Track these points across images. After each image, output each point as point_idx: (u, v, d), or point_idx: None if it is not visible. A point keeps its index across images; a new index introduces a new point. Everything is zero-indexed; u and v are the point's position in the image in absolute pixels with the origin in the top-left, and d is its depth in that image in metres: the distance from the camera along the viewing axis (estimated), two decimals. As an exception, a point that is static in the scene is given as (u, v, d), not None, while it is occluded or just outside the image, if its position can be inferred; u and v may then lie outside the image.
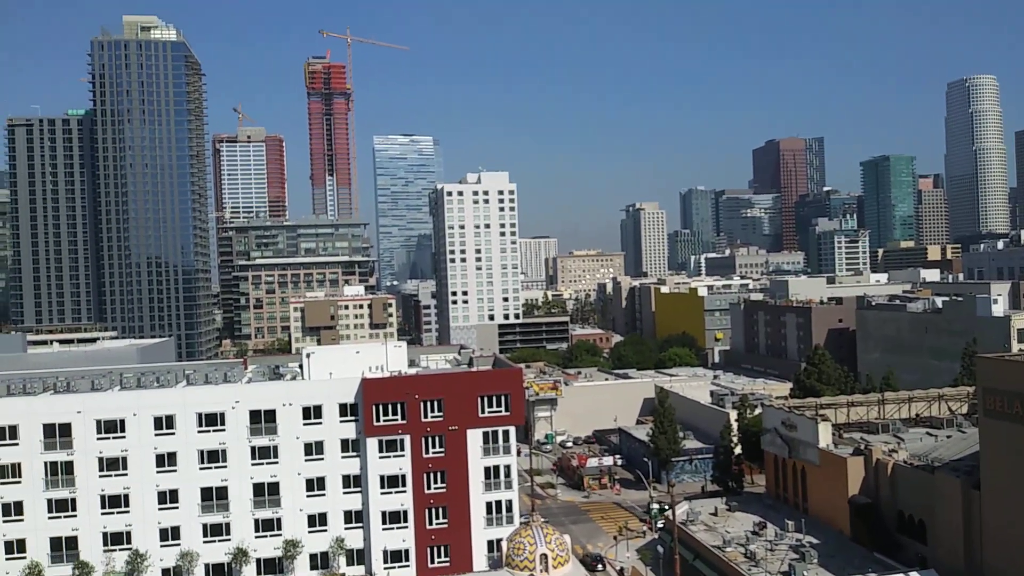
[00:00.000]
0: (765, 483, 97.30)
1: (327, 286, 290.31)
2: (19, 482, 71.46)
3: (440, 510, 76.19)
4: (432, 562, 76.01)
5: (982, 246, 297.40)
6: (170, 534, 73.42)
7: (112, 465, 72.92)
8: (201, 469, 73.95)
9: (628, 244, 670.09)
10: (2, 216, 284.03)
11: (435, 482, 76.18)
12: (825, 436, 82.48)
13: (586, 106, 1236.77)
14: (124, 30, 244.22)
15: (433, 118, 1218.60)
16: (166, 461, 73.51)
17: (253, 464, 74.78)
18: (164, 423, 73.60)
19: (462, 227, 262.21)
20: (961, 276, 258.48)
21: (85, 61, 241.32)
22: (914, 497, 71.60)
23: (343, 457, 75.93)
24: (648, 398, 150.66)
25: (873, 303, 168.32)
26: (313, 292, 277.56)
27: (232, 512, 74.28)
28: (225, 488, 74.28)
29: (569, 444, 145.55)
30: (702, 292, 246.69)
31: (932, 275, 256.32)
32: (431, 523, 76.02)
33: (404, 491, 75.74)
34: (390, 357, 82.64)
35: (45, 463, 71.87)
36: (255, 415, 74.81)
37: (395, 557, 75.70)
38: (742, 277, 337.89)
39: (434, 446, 76.10)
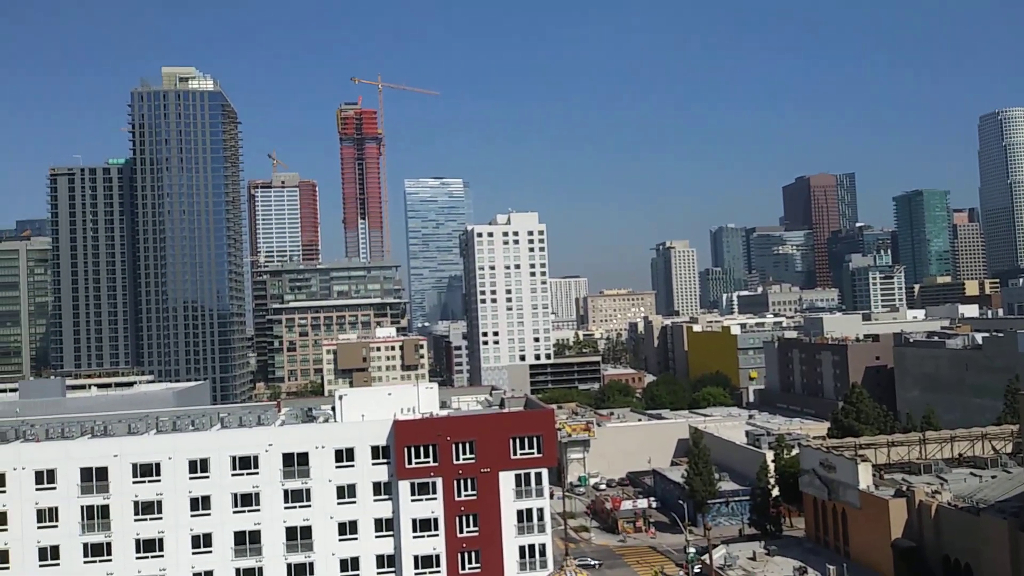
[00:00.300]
0: (804, 526, 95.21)
1: (359, 328, 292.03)
2: (56, 526, 72.07)
3: (473, 554, 75.40)
4: (465, 607, 74.98)
5: (1021, 280, 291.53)
6: (204, 578, 73.33)
7: (147, 509, 73.35)
8: (234, 513, 74.09)
9: (659, 283, 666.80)
10: (44, 263, 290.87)
11: (468, 525, 75.51)
12: (865, 477, 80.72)
13: (614, 146, 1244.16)
14: (163, 81, 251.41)
15: (463, 161, 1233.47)
16: (200, 505, 73.78)
17: (286, 507, 74.77)
18: (199, 466, 74.02)
19: (492, 268, 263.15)
20: (1001, 311, 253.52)
21: (126, 111, 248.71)
22: (959, 540, 69.53)
23: (375, 500, 75.66)
24: (682, 439, 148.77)
25: (911, 340, 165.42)
26: (345, 334, 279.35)
27: (265, 556, 74.14)
28: (258, 532, 74.28)
29: (603, 486, 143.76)
30: (735, 330, 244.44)
31: (971, 311, 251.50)
32: (464, 567, 75.19)
33: (436, 535, 75.14)
34: (422, 399, 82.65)
35: (82, 507, 72.48)
36: (288, 458, 75.01)
37: (428, 602, 74.83)
38: (775, 315, 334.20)
39: (466, 489, 75.58)
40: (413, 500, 74.97)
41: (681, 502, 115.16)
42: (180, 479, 73.65)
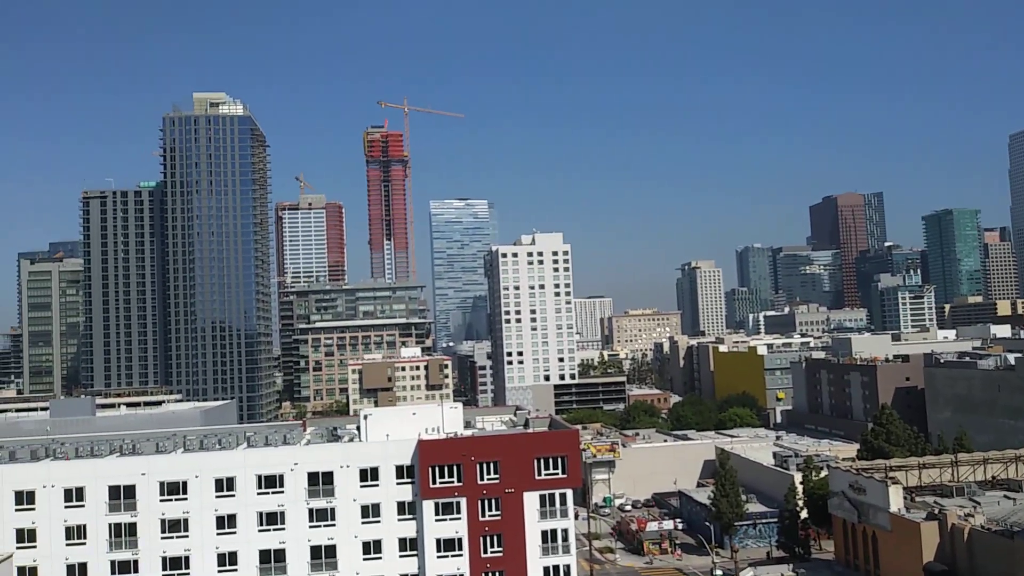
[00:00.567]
0: (834, 549, 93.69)
1: (384, 348, 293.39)
2: (84, 543, 72.72)
3: (497, 575, 74.99)
4: (489, 629, 74.51)
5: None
6: (229, 597, 73.62)
7: (174, 527, 73.86)
8: (260, 531, 74.38)
9: (684, 303, 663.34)
10: (75, 284, 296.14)
11: (492, 546, 75.20)
12: (896, 500, 79.46)
13: (639, 167, 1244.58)
14: (195, 106, 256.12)
15: (488, 182, 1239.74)
16: (226, 523, 74.16)
17: (311, 526, 74.95)
18: (225, 485, 74.47)
19: (517, 288, 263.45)
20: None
21: (157, 136, 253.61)
22: (993, 564, 68.06)
23: (399, 520, 75.60)
24: (708, 460, 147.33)
25: (942, 360, 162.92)
26: (371, 354, 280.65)
27: (289, 575, 74.27)
28: (283, 551, 74.47)
29: (628, 507, 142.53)
30: (762, 351, 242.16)
31: (1003, 331, 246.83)
32: (488, 588, 74.76)
33: (461, 555, 74.89)
34: (446, 418, 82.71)
35: (110, 525, 73.14)
36: (313, 477, 75.26)
37: (452, 623, 74.44)
38: (802, 335, 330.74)
39: (490, 509, 75.37)
40: (437, 520, 74.86)
41: (707, 524, 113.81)
42: (206, 497, 74.15)
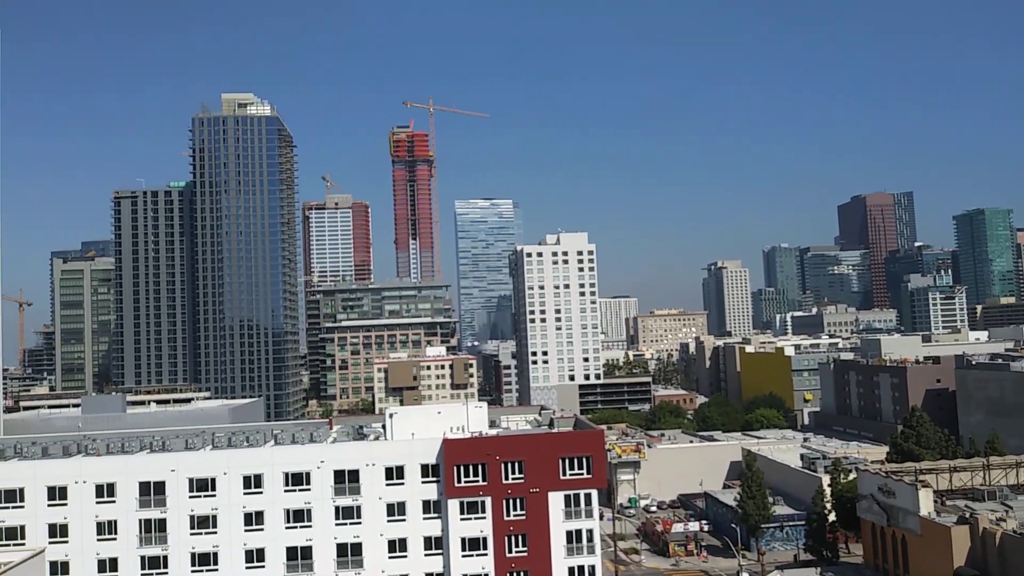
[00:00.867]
0: (863, 553, 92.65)
1: (410, 347, 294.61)
2: (115, 539, 73.84)
3: (522, 574, 75.04)
4: (514, 628, 74.59)
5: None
6: (256, 593, 74.33)
7: (202, 523, 74.74)
8: (287, 528, 75.06)
9: (710, 303, 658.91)
10: (107, 283, 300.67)
11: (516, 546, 75.28)
12: (926, 503, 78.41)
13: (665, 166, 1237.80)
14: (223, 107, 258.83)
15: (513, 181, 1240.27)
16: (254, 520, 74.92)
17: (337, 524, 75.49)
18: (252, 482, 75.25)
19: (542, 288, 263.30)
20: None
21: (187, 136, 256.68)
22: (1027, 570, 66.97)
23: (424, 518, 75.93)
24: (735, 461, 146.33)
25: (974, 362, 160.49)
26: (396, 353, 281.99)
27: (316, 572, 74.80)
28: (310, 548, 75.09)
29: (653, 508, 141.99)
30: (789, 351, 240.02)
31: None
32: (512, 588, 74.84)
33: (485, 554, 75.04)
34: (471, 418, 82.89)
35: (140, 520, 74.17)
36: (339, 475, 75.80)
37: (476, 622, 74.65)
38: (831, 336, 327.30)
39: (515, 508, 75.45)
40: (462, 519, 75.08)
41: (734, 526, 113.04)
42: (235, 494, 74.95)
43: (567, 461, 76.00)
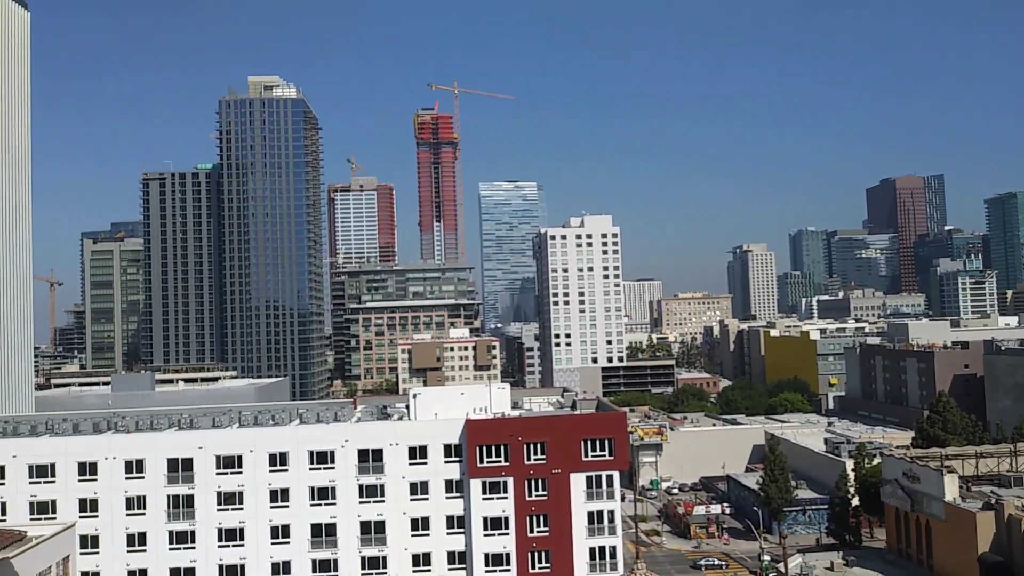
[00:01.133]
0: (886, 537, 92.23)
1: (433, 328, 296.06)
2: (143, 514, 75.32)
3: (543, 554, 75.64)
4: (535, 607, 75.26)
5: None
6: (281, 568, 75.51)
7: (229, 499, 75.98)
8: (312, 505, 76.13)
9: (735, 286, 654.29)
10: (136, 263, 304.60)
11: (538, 526, 75.82)
12: (952, 489, 77.81)
13: (690, 148, 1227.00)
14: (249, 89, 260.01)
15: (537, 164, 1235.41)
16: (279, 497, 76.06)
17: (360, 502, 76.43)
18: (278, 460, 76.32)
19: (565, 270, 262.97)
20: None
21: (214, 119, 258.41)
22: (1053, 557, 66.37)
23: (447, 498, 76.66)
24: (758, 445, 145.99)
25: (1003, 348, 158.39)
26: (420, 334, 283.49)
27: (340, 549, 75.93)
28: (334, 525, 76.14)
29: (675, 491, 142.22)
30: (814, 335, 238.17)
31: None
32: (534, 567, 75.44)
33: (507, 534, 75.67)
34: (494, 399, 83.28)
35: (168, 496, 75.57)
36: (363, 454, 76.64)
37: (498, 600, 75.40)
38: (857, 320, 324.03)
39: (537, 489, 75.90)
40: (484, 499, 75.70)
41: (756, 509, 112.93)
42: (260, 472, 76.08)
43: (589, 443, 76.25)
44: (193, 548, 75.21)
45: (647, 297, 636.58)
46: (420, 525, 76.43)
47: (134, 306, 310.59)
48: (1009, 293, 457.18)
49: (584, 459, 76.06)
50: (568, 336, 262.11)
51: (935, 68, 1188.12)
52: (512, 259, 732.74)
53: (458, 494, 76.67)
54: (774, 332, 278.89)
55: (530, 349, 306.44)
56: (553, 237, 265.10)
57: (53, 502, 74.49)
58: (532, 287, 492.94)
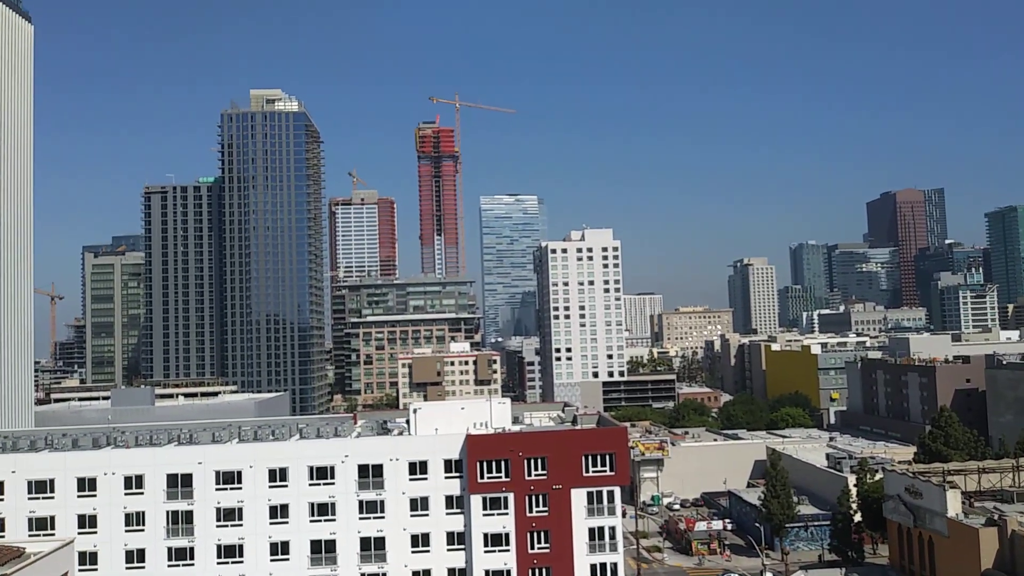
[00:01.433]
0: (888, 554, 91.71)
1: (434, 343, 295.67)
2: (142, 530, 74.93)
3: (544, 571, 75.16)
4: (535, 624, 74.73)
5: None
6: (281, 585, 75.05)
7: (229, 515, 75.66)
8: (311, 521, 75.75)
9: (736, 300, 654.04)
10: (137, 277, 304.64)
11: (539, 542, 75.41)
12: (954, 504, 77.44)
13: (690, 162, 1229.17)
14: (251, 103, 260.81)
15: (538, 177, 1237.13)
16: (279, 513, 75.70)
17: (360, 518, 76.05)
18: (278, 475, 76.03)
19: (566, 284, 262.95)
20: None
21: (216, 132, 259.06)
22: (1057, 574, 65.95)
23: (447, 513, 76.31)
24: (759, 460, 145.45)
25: (1005, 362, 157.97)
26: (420, 348, 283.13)
27: (340, 565, 75.48)
28: (333, 541, 75.73)
29: (676, 506, 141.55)
30: (815, 350, 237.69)
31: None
32: (534, 584, 74.97)
33: (508, 550, 75.26)
34: (494, 414, 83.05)
35: (167, 512, 75.20)
36: (363, 469, 76.34)
37: (498, 617, 74.86)
38: (858, 334, 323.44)
39: (538, 505, 75.56)
40: (485, 515, 75.33)
41: (757, 525, 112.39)
42: (260, 487, 75.78)
43: (590, 458, 75.96)
44: (192, 565, 74.77)
45: (648, 311, 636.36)
46: (420, 541, 76.03)
47: (135, 320, 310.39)
48: (1010, 307, 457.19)
49: (585, 474, 75.76)
50: (569, 350, 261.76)
51: (935, 82, 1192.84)
52: (513, 273, 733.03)
53: (458, 510, 76.32)
54: (775, 346, 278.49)
55: (531, 363, 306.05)
56: (554, 251, 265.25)
57: (52, 518, 74.15)
58: (533, 301, 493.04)
